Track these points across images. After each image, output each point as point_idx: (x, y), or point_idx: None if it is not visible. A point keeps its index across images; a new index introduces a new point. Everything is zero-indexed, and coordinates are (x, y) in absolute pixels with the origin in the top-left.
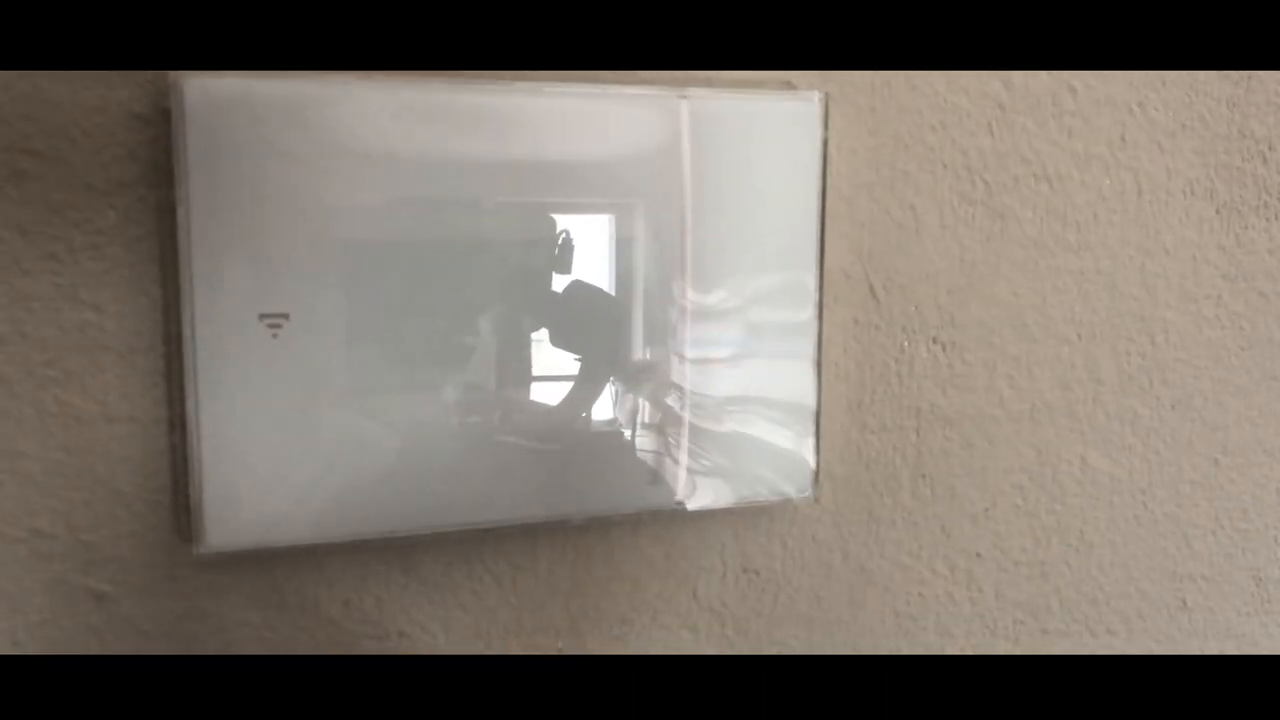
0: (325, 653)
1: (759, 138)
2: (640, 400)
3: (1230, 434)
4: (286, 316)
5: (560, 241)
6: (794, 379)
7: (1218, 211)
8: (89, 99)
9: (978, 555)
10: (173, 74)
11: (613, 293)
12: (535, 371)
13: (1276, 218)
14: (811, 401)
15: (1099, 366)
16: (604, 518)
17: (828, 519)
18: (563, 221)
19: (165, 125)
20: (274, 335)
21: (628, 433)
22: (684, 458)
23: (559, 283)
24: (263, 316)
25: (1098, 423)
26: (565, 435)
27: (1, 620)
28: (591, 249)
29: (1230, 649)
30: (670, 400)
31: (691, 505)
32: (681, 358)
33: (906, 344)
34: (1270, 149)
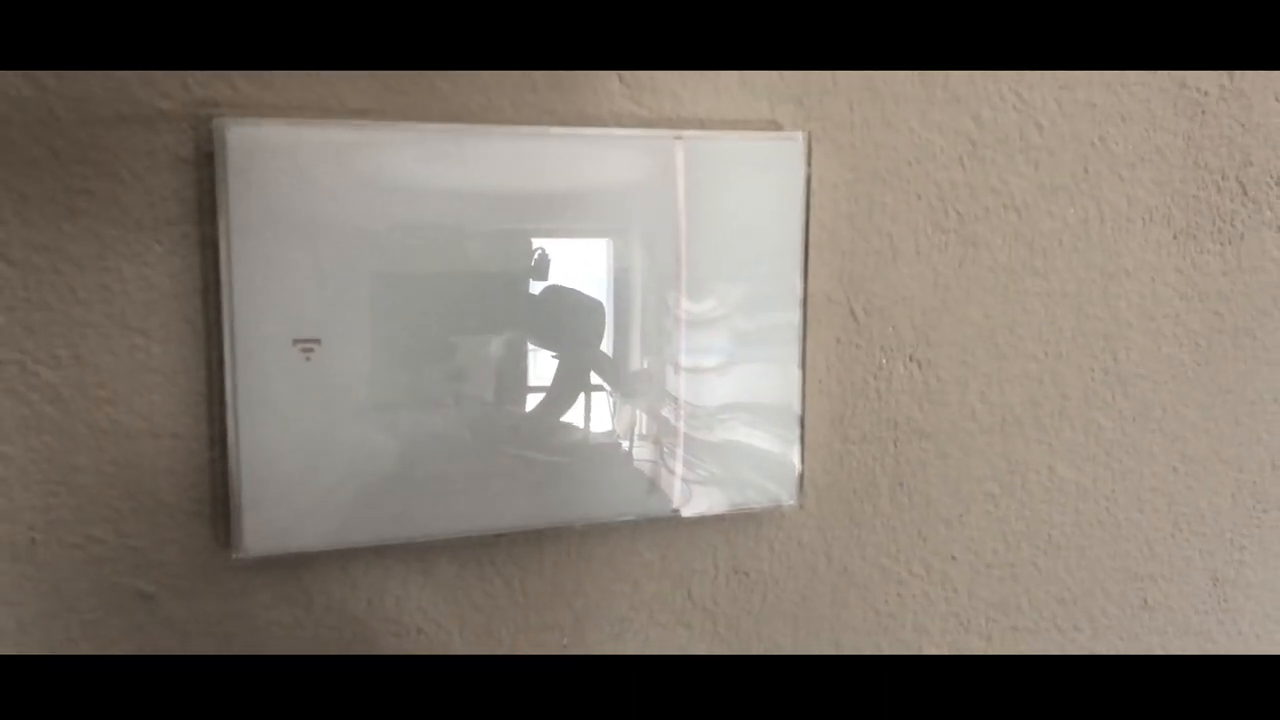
0: (350, 648)
1: (747, 174)
2: (638, 413)
3: (1188, 444)
4: (318, 341)
5: (553, 265)
6: (780, 390)
7: (1175, 237)
8: (139, 144)
9: (953, 558)
10: (215, 120)
11: (610, 318)
12: (543, 386)
13: (1230, 242)
14: (797, 416)
15: (1065, 382)
16: (605, 524)
17: (812, 524)
18: (567, 248)
19: (208, 168)
20: (306, 358)
21: (626, 444)
22: (679, 467)
23: (560, 302)
24: (296, 341)
25: (1064, 434)
26: (570, 446)
27: (58, 618)
28: (595, 276)
29: (1189, 645)
30: (665, 411)
31: (686, 512)
32: (677, 367)
33: (885, 362)
34: (1223, 179)
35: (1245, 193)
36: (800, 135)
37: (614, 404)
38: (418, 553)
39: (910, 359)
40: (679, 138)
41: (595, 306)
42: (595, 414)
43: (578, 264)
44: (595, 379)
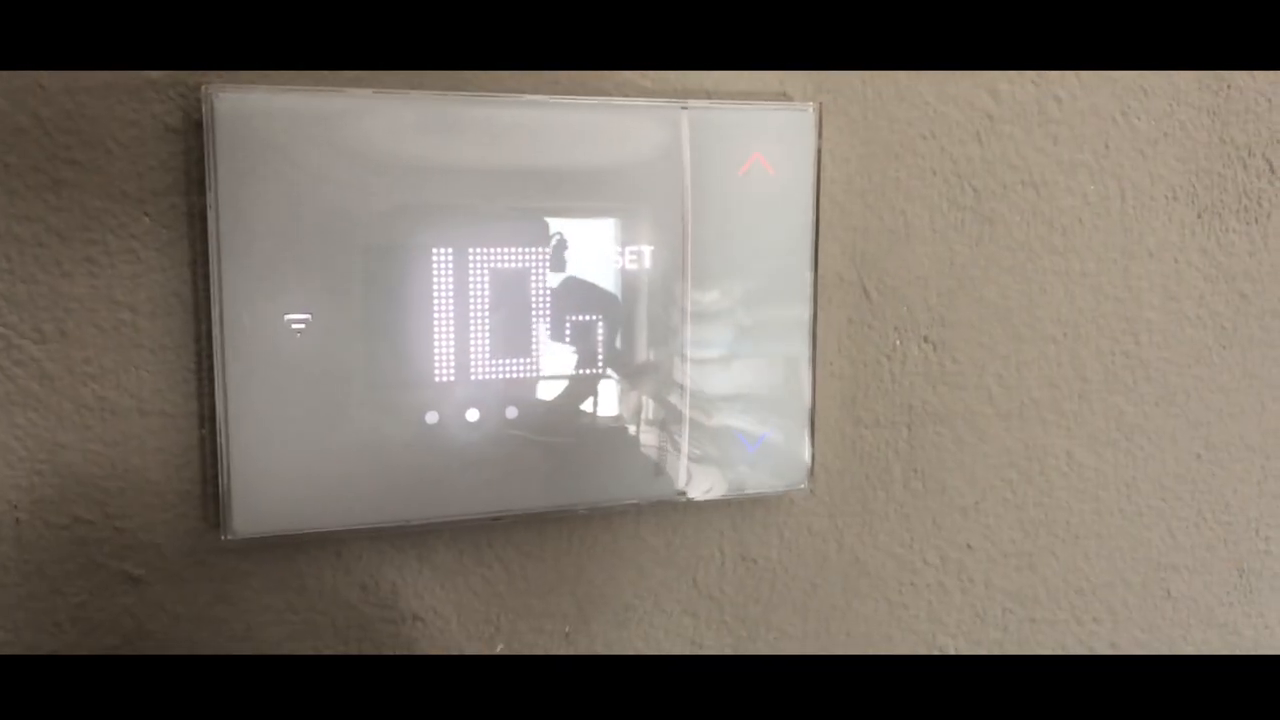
0: (344, 635)
1: (756, 147)
2: (643, 396)
3: (1212, 430)
4: (310, 317)
5: (555, 242)
6: (790, 378)
7: (1199, 215)
8: (125, 112)
9: (968, 546)
10: (204, 88)
11: (616, 291)
12: (543, 368)
13: (1256, 221)
14: (807, 399)
15: (1084, 365)
16: (608, 508)
17: (823, 511)
18: (570, 225)
19: (196, 137)
20: (298, 334)
21: (631, 427)
22: (685, 451)
23: (562, 281)
24: (287, 317)
25: (1083, 419)
26: (572, 429)
27: (44, 601)
28: (598, 252)
29: (1213, 637)
30: (672, 397)
31: (692, 495)
32: (683, 357)
33: (899, 343)
34: (1249, 155)
35: (1272, 170)
36: (811, 107)
37: (620, 390)
38: (414, 537)
39: (924, 340)
40: (685, 108)
41: (610, 300)
42: (601, 399)
43: (585, 242)
44: (602, 367)
